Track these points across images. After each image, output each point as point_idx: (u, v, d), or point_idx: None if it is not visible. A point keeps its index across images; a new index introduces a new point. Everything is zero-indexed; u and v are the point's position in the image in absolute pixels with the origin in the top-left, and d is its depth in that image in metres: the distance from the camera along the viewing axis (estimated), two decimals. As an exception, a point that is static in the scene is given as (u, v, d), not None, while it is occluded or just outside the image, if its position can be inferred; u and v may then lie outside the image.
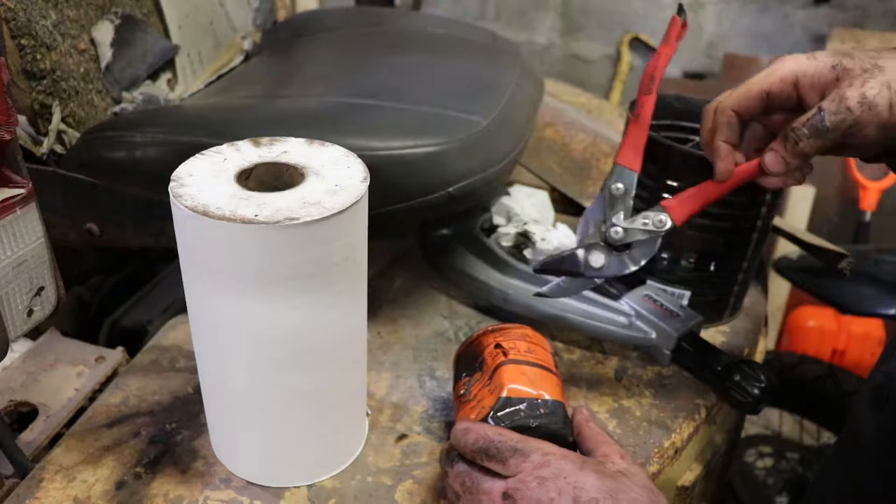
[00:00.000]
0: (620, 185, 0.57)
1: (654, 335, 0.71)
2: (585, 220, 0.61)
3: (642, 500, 0.47)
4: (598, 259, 0.58)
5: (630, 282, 0.77)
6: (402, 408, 0.67)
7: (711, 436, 0.74)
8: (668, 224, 0.56)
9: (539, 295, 0.64)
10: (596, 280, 0.61)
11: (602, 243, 0.58)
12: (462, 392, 0.61)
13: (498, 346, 0.60)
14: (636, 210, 0.58)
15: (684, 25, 0.60)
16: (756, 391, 0.64)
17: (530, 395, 0.56)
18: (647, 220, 0.56)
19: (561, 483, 0.47)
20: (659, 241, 0.58)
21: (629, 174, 0.58)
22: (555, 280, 0.62)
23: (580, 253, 0.59)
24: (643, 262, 0.58)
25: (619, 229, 0.57)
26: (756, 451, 1.46)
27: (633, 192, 0.58)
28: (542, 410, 0.55)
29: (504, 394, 0.55)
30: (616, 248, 0.58)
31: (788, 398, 1.44)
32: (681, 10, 0.60)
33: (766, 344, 0.88)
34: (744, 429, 1.05)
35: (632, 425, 0.66)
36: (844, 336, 1.63)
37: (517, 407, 0.55)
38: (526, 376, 0.57)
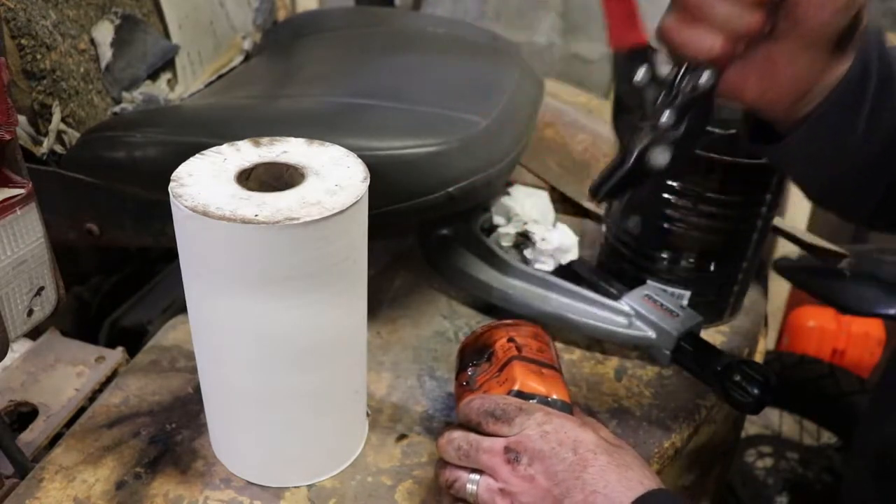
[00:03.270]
0: (641, 70, 0.47)
1: (654, 335, 0.71)
2: (620, 125, 0.50)
3: (637, 463, 0.48)
4: (662, 156, 0.48)
5: (630, 282, 0.77)
6: (402, 408, 0.67)
7: (711, 436, 0.74)
8: (712, 75, 0.46)
9: (598, 198, 0.53)
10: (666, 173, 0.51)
11: (655, 135, 0.48)
12: (466, 381, 0.61)
13: (511, 339, 0.61)
14: (670, 85, 0.48)
15: None
16: (756, 391, 0.64)
17: (541, 393, 0.56)
18: (691, 84, 0.46)
19: (562, 435, 0.49)
20: (714, 92, 0.48)
21: (638, 51, 0.47)
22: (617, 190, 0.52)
23: (641, 160, 0.49)
24: (709, 120, 0.50)
25: (668, 113, 0.47)
26: (756, 451, 1.46)
27: (654, 64, 0.47)
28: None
29: (517, 387, 0.56)
30: (671, 131, 0.48)
31: (788, 398, 1.44)
32: None
33: (766, 344, 0.88)
34: (744, 429, 1.05)
35: (632, 425, 0.66)
36: (844, 336, 1.63)
37: (531, 402, 0.55)
38: (537, 375, 0.57)
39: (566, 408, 0.56)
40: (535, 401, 0.55)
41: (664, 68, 0.48)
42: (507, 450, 0.49)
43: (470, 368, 0.62)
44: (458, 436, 0.52)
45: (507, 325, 0.63)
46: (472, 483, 0.50)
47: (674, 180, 0.72)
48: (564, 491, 0.47)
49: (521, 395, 0.56)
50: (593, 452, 0.48)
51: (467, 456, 0.51)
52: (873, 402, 0.59)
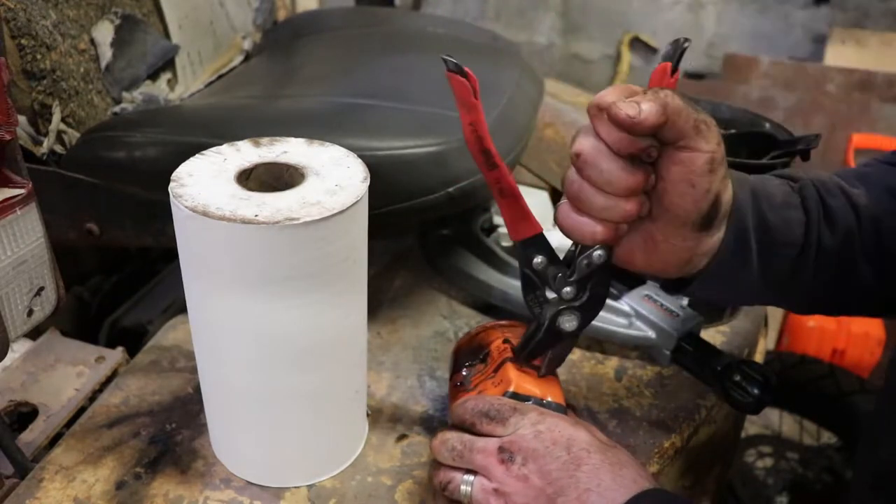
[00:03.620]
0: (539, 257, 0.53)
1: (654, 335, 0.71)
2: (529, 301, 0.56)
3: (631, 463, 0.49)
4: (570, 321, 0.55)
5: (630, 282, 0.77)
6: (402, 408, 0.67)
7: (711, 436, 0.74)
8: (604, 253, 0.52)
9: (542, 376, 0.59)
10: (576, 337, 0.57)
11: (561, 307, 0.54)
12: (460, 382, 0.61)
13: (507, 341, 0.61)
14: (563, 263, 0.54)
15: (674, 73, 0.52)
16: (756, 391, 0.64)
17: (536, 395, 0.56)
18: (586, 261, 0.52)
19: (555, 435, 0.49)
20: (608, 266, 0.54)
21: (535, 240, 0.53)
22: (544, 357, 0.58)
23: (552, 327, 0.55)
24: (609, 286, 0.56)
25: (568, 288, 0.53)
26: (756, 451, 1.46)
27: (549, 248, 0.54)
28: None
29: (512, 389, 0.56)
30: (576, 300, 0.54)
31: (788, 398, 1.44)
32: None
33: (766, 344, 0.88)
34: (744, 429, 1.05)
35: (632, 425, 0.66)
36: (844, 336, 1.62)
37: (525, 403, 0.55)
38: (532, 377, 0.57)
39: (561, 410, 0.56)
40: (530, 402, 0.55)
41: (561, 251, 0.55)
42: (501, 450, 0.49)
43: (464, 369, 0.62)
44: (451, 436, 0.52)
45: (503, 325, 0.63)
46: (466, 484, 0.50)
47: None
48: (558, 490, 0.47)
49: (515, 396, 0.56)
50: (587, 451, 0.48)
51: (461, 457, 0.51)
52: (870, 423, 0.60)
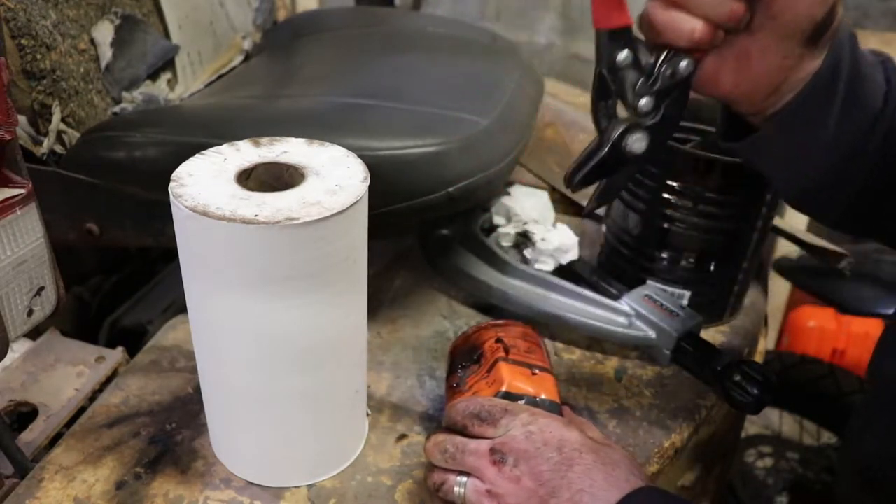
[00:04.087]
0: (626, 53, 0.47)
1: (654, 335, 0.71)
2: (599, 111, 0.51)
3: (624, 462, 0.49)
4: (640, 141, 0.49)
5: (630, 282, 0.77)
6: (402, 408, 0.67)
7: (711, 436, 0.74)
8: (690, 63, 0.47)
9: (589, 213, 0.55)
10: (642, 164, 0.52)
11: (633, 121, 0.49)
12: (456, 383, 0.61)
13: (499, 340, 0.61)
14: (649, 71, 0.48)
15: None
16: (756, 391, 0.64)
17: (529, 393, 0.56)
18: (671, 70, 0.47)
19: (547, 435, 0.49)
20: (691, 81, 0.49)
21: (621, 33, 0.47)
22: (598, 185, 0.53)
23: (618, 145, 0.49)
24: (684, 109, 0.51)
25: (646, 99, 0.48)
26: (756, 451, 1.46)
27: (636, 47, 0.48)
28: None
29: (504, 388, 0.56)
30: (649, 116, 0.49)
31: (788, 398, 1.44)
32: None
33: (766, 344, 0.88)
34: (744, 429, 1.05)
35: (632, 425, 0.66)
36: (844, 336, 1.62)
37: (517, 403, 0.55)
38: (525, 376, 0.57)
39: (555, 407, 0.56)
40: (523, 401, 0.55)
41: (645, 55, 0.49)
42: (492, 451, 0.49)
43: (460, 370, 0.62)
44: (444, 439, 0.53)
45: (496, 325, 0.64)
46: (459, 485, 0.51)
47: (674, 180, 0.72)
48: (550, 491, 0.47)
49: (508, 395, 0.55)
50: (579, 451, 0.48)
51: (454, 458, 0.51)
52: (855, 417, 0.60)
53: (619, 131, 0.49)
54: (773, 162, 0.54)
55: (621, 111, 0.51)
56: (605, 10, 0.47)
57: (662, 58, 0.48)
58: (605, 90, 0.49)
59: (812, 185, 0.53)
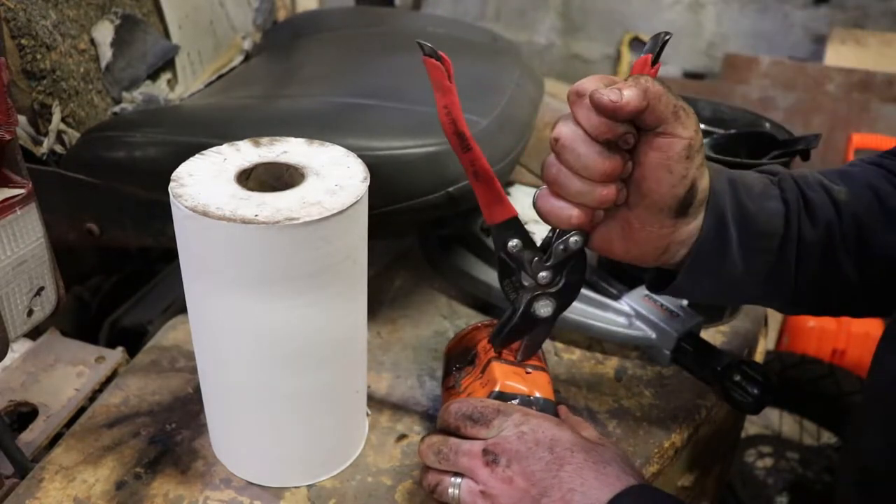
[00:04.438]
0: (515, 241, 0.54)
1: (654, 335, 0.71)
2: (505, 287, 0.56)
3: (616, 460, 0.49)
4: (546, 307, 0.55)
5: (630, 282, 0.77)
6: (402, 408, 0.67)
7: (711, 436, 0.74)
8: (581, 239, 0.53)
9: (520, 364, 0.60)
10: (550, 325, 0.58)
11: (536, 292, 0.55)
12: (451, 384, 0.61)
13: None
14: (539, 248, 0.55)
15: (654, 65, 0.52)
16: (756, 391, 0.64)
17: (523, 392, 0.56)
18: (562, 246, 0.53)
19: (538, 435, 0.50)
20: (584, 251, 0.55)
21: (510, 224, 0.54)
22: (521, 343, 0.59)
23: (527, 312, 0.55)
24: (584, 273, 0.56)
25: (544, 273, 0.54)
26: (756, 451, 1.46)
27: (524, 232, 0.54)
28: (534, 408, 0.55)
29: (497, 388, 0.56)
30: (551, 286, 0.55)
31: (788, 398, 1.44)
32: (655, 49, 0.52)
33: (766, 344, 0.88)
34: (744, 429, 1.05)
35: (632, 425, 0.66)
36: (844, 336, 1.62)
37: (510, 402, 0.55)
38: (519, 374, 0.57)
39: (549, 405, 0.56)
40: (516, 400, 0.56)
41: (538, 236, 0.55)
42: (485, 452, 0.50)
43: (455, 371, 0.62)
44: (437, 440, 0.53)
45: (489, 325, 0.64)
46: (453, 486, 0.51)
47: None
48: (542, 490, 0.47)
49: (502, 395, 0.56)
50: (570, 450, 0.48)
51: (447, 460, 0.51)
52: (856, 416, 0.60)
53: (526, 300, 0.55)
54: (702, 297, 0.61)
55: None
56: (490, 208, 0.53)
57: (554, 236, 0.54)
58: (508, 270, 0.55)
59: (748, 300, 0.61)
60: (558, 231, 0.53)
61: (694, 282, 0.54)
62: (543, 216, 0.51)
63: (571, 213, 0.50)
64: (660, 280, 0.57)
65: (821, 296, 0.56)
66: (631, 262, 0.55)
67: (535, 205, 0.52)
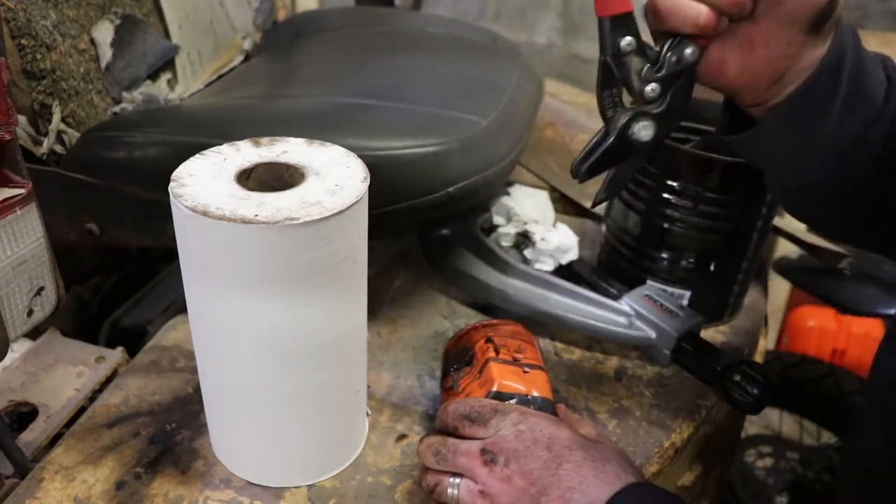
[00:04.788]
0: (629, 38, 0.47)
1: (654, 335, 0.71)
2: (604, 100, 0.50)
3: (615, 458, 0.49)
4: (646, 129, 0.49)
5: (630, 282, 0.77)
6: (402, 408, 0.67)
7: (711, 436, 0.74)
8: (696, 50, 0.48)
9: (597, 204, 0.54)
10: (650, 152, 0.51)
11: (639, 109, 0.49)
12: (450, 385, 0.61)
13: (489, 340, 0.61)
14: (654, 58, 0.49)
15: None
16: (756, 391, 0.64)
17: (520, 391, 0.56)
18: (676, 57, 0.47)
19: (536, 434, 0.49)
20: (695, 69, 0.49)
21: (624, 19, 0.47)
22: (606, 176, 0.53)
23: (624, 133, 0.50)
24: (689, 100, 0.51)
25: (653, 85, 0.48)
26: (756, 451, 1.46)
27: (638, 33, 0.48)
28: (531, 407, 0.55)
29: (495, 388, 0.56)
30: (655, 104, 0.49)
31: (788, 398, 1.44)
32: None
33: (766, 344, 0.88)
34: (744, 429, 1.05)
35: (632, 425, 0.66)
36: (844, 336, 1.62)
37: (508, 402, 0.55)
38: (516, 374, 0.58)
39: (547, 404, 0.56)
40: (514, 400, 0.56)
41: (649, 43, 0.49)
42: (483, 452, 0.50)
43: (453, 372, 0.62)
44: (435, 441, 0.53)
45: (486, 325, 0.64)
46: (452, 487, 0.51)
47: (674, 180, 0.72)
48: (541, 489, 0.47)
49: (499, 395, 0.56)
50: (569, 448, 0.48)
51: (446, 460, 0.51)
52: (858, 417, 0.60)
53: (625, 119, 0.49)
54: (772, 156, 0.54)
55: (626, 101, 0.51)
56: None
57: (668, 45, 0.48)
58: (610, 78, 0.49)
59: (810, 182, 0.52)
60: (672, 41, 0.48)
61: (785, 125, 0.50)
62: (665, 13, 0.46)
63: (700, 9, 0.45)
64: (739, 121, 0.53)
65: (880, 206, 0.52)
66: (737, 91, 0.50)
67: (650, 4, 0.46)
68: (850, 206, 0.53)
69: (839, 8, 0.46)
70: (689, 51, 0.47)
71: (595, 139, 0.51)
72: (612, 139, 0.50)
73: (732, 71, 0.49)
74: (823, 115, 0.49)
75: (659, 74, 0.48)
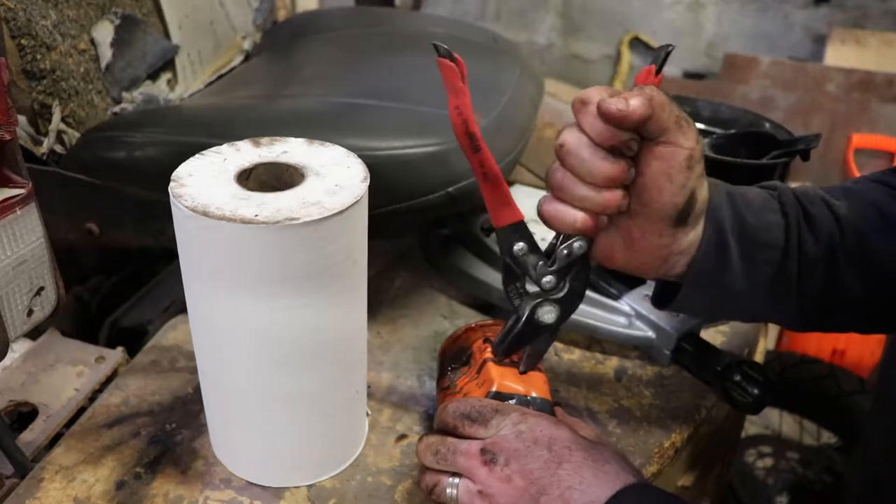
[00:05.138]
0: (521, 244, 0.54)
1: (654, 335, 0.71)
2: (510, 292, 0.56)
3: (615, 458, 0.49)
4: (550, 313, 0.55)
5: (630, 282, 0.77)
6: (402, 408, 0.67)
7: (711, 436, 0.74)
8: (585, 244, 0.53)
9: (523, 373, 0.59)
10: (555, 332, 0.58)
11: (540, 299, 0.55)
12: (447, 385, 0.61)
13: (487, 340, 0.61)
14: (545, 253, 0.55)
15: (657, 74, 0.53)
16: (756, 391, 0.64)
17: (519, 392, 0.56)
18: (566, 251, 0.53)
19: (536, 434, 0.50)
20: (588, 260, 0.55)
21: (516, 227, 0.53)
22: (524, 352, 0.59)
23: (531, 319, 0.56)
24: (587, 282, 0.56)
25: (548, 277, 0.54)
26: (756, 451, 1.46)
27: (530, 236, 0.54)
28: (531, 408, 0.55)
29: (494, 388, 0.56)
30: (555, 292, 0.55)
31: (788, 398, 1.44)
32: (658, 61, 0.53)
33: (766, 344, 0.88)
34: (744, 429, 1.05)
35: (632, 425, 0.66)
36: (844, 336, 1.62)
37: (507, 403, 0.55)
38: (515, 374, 0.57)
39: (546, 405, 0.56)
40: (513, 400, 0.56)
41: (542, 241, 0.55)
42: (483, 451, 0.50)
43: (450, 372, 0.62)
44: (435, 440, 0.53)
45: (484, 325, 0.64)
46: (451, 487, 0.51)
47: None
48: (541, 489, 0.47)
49: (499, 395, 0.56)
50: (569, 449, 0.48)
51: (445, 460, 0.51)
52: (864, 422, 0.60)
53: (529, 308, 0.55)
54: (705, 309, 0.62)
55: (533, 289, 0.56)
56: (497, 211, 0.53)
57: (560, 241, 0.54)
58: (513, 274, 0.55)
59: (753, 315, 0.61)
60: (563, 236, 0.54)
61: (696, 295, 0.55)
62: (548, 220, 0.52)
63: (576, 216, 0.50)
64: (664, 295, 0.58)
65: (825, 312, 0.56)
66: (632, 273, 0.55)
67: (539, 210, 0.52)
68: (796, 318, 0.57)
69: (701, 201, 0.51)
70: (577, 245, 0.53)
71: (508, 325, 0.57)
72: (520, 325, 0.56)
73: (620, 258, 0.54)
74: (723, 276, 0.53)
75: (552, 268, 0.54)
